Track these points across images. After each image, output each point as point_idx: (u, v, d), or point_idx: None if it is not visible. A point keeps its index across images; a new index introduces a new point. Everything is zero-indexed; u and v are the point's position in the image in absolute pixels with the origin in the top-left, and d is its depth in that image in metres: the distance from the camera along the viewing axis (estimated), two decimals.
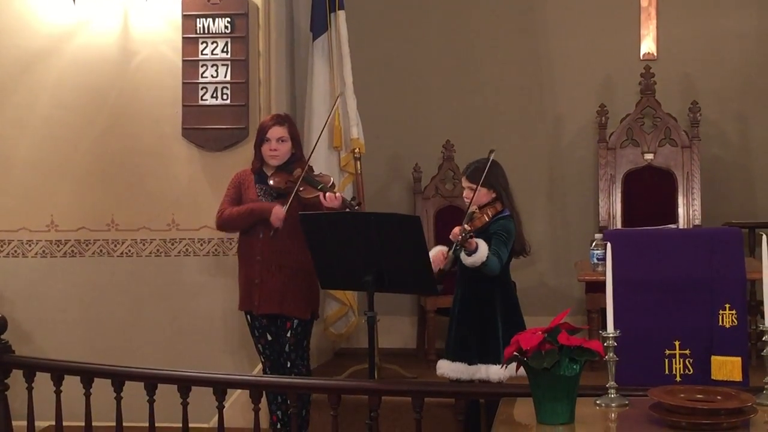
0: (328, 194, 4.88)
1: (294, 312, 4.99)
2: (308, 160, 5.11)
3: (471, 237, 4.36)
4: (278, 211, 4.91)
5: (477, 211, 4.56)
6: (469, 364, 4.56)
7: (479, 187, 4.55)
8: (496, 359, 4.46)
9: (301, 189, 4.92)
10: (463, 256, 4.40)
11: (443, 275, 4.50)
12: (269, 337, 5.08)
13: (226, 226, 5.20)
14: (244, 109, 5.78)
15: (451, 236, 4.41)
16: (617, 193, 6.56)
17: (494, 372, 4.44)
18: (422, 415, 3.98)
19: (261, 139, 5.06)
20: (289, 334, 5.00)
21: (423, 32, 7.02)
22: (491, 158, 4.56)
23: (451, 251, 4.46)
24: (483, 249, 4.38)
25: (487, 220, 4.50)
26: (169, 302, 5.91)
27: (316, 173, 5.09)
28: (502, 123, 6.91)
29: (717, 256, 3.74)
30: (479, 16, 6.99)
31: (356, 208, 4.96)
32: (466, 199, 4.67)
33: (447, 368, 4.62)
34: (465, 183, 4.68)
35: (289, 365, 5.01)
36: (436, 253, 4.55)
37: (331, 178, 5.10)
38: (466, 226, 4.36)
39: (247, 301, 5.08)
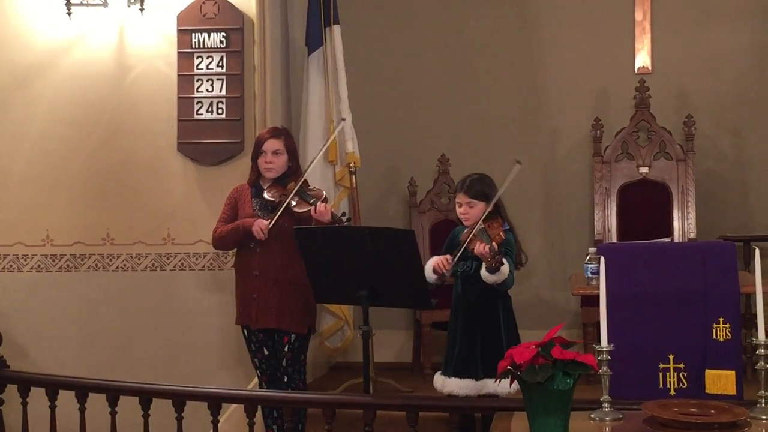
0: (318, 206, 4.86)
1: (291, 327, 4.98)
2: (304, 174, 5.11)
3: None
4: (260, 223, 4.91)
5: (486, 226, 4.43)
6: (477, 380, 4.53)
7: (479, 201, 4.53)
8: None
9: (293, 203, 4.92)
10: (484, 273, 4.33)
11: (441, 284, 4.48)
12: (266, 352, 5.07)
13: (220, 245, 5.22)
14: (240, 123, 5.79)
15: (479, 254, 4.30)
16: (612, 206, 6.56)
17: (502, 386, 4.40)
18: (417, 430, 3.99)
19: (257, 151, 5.05)
20: (286, 349, 4.99)
21: (418, 47, 7.04)
22: (516, 169, 4.47)
23: (467, 268, 4.46)
24: (507, 265, 4.33)
25: (503, 236, 4.37)
26: (164, 317, 5.90)
27: (309, 188, 5.08)
28: (497, 137, 6.92)
29: (711, 269, 3.75)
30: (474, 30, 7.01)
31: (345, 222, 4.95)
32: (462, 215, 4.59)
33: (455, 386, 4.55)
34: (463, 198, 4.58)
35: (286, 380, 5.00)
36: (440, 258, 4.49)
37: (324, 193, 5.09)
38: (493, 243, 4.27)
39: (244, 315, 5.07)
